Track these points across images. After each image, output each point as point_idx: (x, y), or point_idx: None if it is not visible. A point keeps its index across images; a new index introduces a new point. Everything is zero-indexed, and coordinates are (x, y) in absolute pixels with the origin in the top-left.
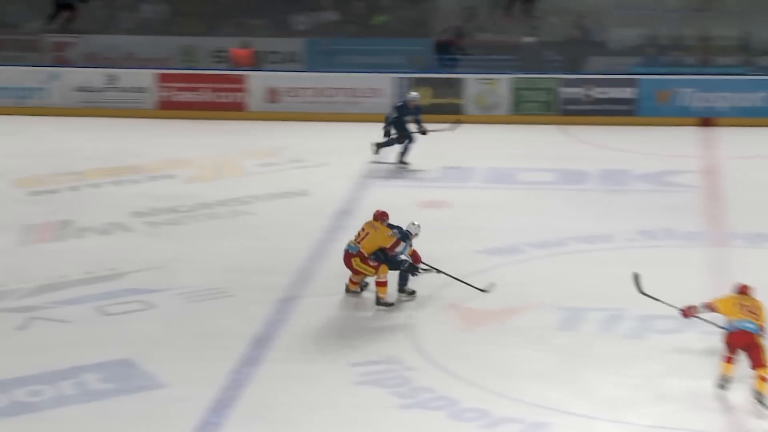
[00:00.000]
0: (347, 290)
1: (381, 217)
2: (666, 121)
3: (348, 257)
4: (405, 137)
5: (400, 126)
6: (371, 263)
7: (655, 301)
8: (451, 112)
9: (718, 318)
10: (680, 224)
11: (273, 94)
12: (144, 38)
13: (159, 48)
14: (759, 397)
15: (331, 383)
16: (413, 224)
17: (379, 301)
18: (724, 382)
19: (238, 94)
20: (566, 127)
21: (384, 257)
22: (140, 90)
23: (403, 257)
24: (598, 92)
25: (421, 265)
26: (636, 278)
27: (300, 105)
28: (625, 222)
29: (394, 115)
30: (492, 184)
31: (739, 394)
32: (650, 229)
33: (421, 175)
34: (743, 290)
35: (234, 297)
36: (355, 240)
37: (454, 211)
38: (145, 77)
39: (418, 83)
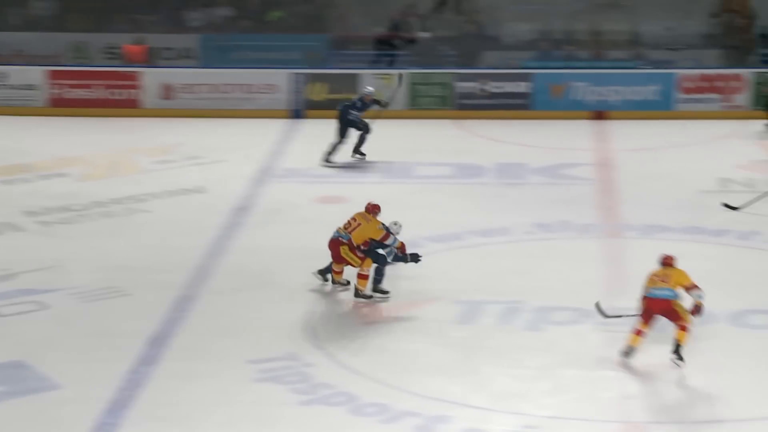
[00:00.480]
0: (333, 281)
1: (373, 210)
2: (560, 115)
3: (336, 244)
4: (365, 129)
5: (359, 122)
6: (358, 254)
7: (621, 317)
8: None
9: None
10: (576, 216)
11: (167, 91)
12: (33, 35)
13: (49, 45)
14: (677, 349)
15: (229, 381)
16: (395, 224)
17: (358, 293)
18: (629, 351)
19: (132, 90)
20: (462, 121)
21: (374, 255)
22: (30, 87)
23: (381, 251)
24: (493, 87)
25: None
26: (598, 307)
27: (195, 101)
28: (521, 215)
29: (354, 113)
30: (389, 179)
31: (636, 384)
32: (546, 222)
33: (318, 170)
34: (664, 261)
35: (130, 296)
36: (344, 228)
37: (352, 206)
38: (35, 74)
39: (314, 79)
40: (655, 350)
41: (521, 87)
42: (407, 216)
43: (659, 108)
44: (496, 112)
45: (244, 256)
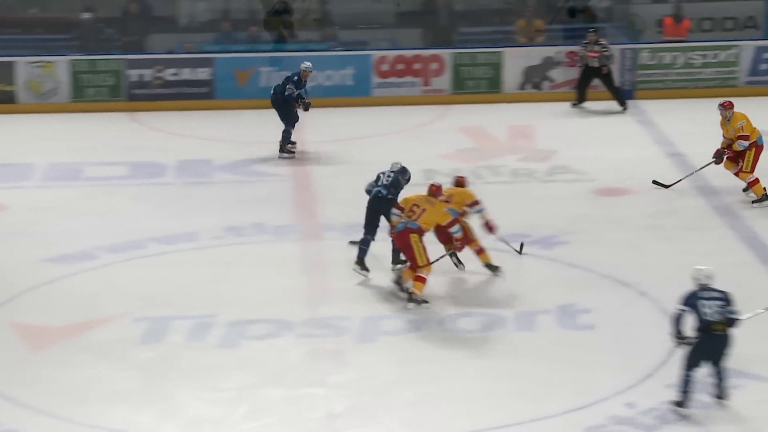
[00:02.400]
0: (399, 282)
1: (437, 192)
2: (248, 104)
3: (405, 233)
4: (293, 118)
5: (287, 106)
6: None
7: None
8: (2, 100)
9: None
10: (270, 217)
11: None
12: None
13: None
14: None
15: None
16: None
17: (412, 298)
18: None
19: None
20: (136, 113)
21: None
22: None
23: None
24: (169, 74)
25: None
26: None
27: None
28: (209, 218)
29: (294, 90)
30: (54, 182)
31: (344, 401)
32: (238, 225)
33: None
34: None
35: None
36: (406, 216)
37: (12, 214)
38: None
39: None
40: (361, 357)
41: (202, 74)
42: (77, 225)
43: (355, 94)
44: (174, 103)
45: None
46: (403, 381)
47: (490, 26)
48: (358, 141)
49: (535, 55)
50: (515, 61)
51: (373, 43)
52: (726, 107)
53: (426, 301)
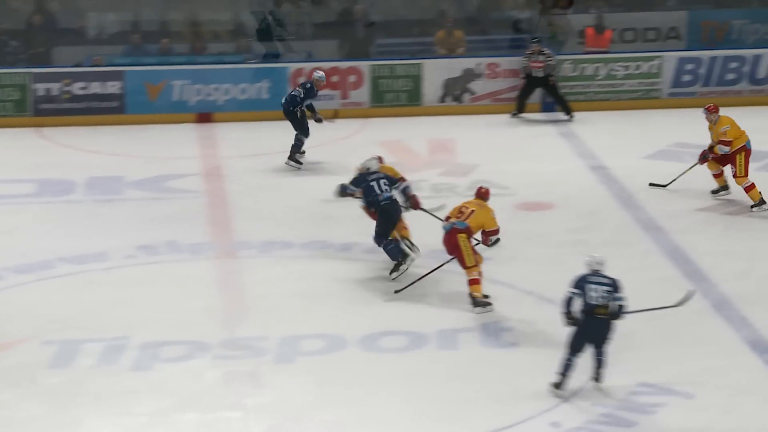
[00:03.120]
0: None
1: (486, 195)
2: (159, 119)
3: (453, 233)
4: (305, 129)
5: (297, 115)
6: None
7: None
8: None
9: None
10: (184, 236)
11: None
12: None
13: None
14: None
15: None
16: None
17: (477, 302)
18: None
19: None
20: (44, 129)
21: None
22: None
23: None
24: (77, 88)
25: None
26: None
27: None
28: (121, 237)
29: (303, 101)
30: None
31: (261, 425)
32: (151, 243)
33: None
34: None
35: None
36: (455, 217)
37: None
38: None
39: None
40: (279, 379)
41: (111, 87)
42: None
43: (272, 108)
44: (83, 118)
45: None
46: (322, 403)
47: (409, 37)
48: (274, 156)
49: (455, 67)
50: (435, 73)
51: (289, 56)
52: (711, 111)
53: (489, 303)
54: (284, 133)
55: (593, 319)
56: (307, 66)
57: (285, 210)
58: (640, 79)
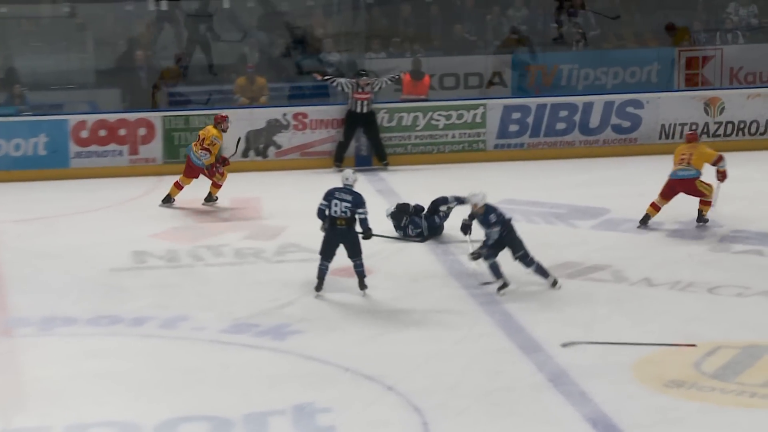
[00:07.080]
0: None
1: (694, 137)
2: None
3: (690, 182)
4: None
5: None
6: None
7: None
8: None
9: None
10: None
11: None
12: None
13: None
14: (700, 216)
15: None
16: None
17: (702, 217)
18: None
19: None
20: None
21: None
22: None
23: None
24: None
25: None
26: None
27: None
28: None
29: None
30: None
31: None
32: None
33: None
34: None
35: None
36: (678, 164)
37: None
38: None
39: None
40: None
41: None
42: None
43: (50, 165)
44: None
45: None
46: None
47: (204, 85)
48: (54, 220)
49: (258, 117)
50: (236, 124)
51: (69, 107)
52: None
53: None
54: (64, 193)
55: (334, 229)
56: (90, 118)
57: (68, 280)
58: (463, 129)
